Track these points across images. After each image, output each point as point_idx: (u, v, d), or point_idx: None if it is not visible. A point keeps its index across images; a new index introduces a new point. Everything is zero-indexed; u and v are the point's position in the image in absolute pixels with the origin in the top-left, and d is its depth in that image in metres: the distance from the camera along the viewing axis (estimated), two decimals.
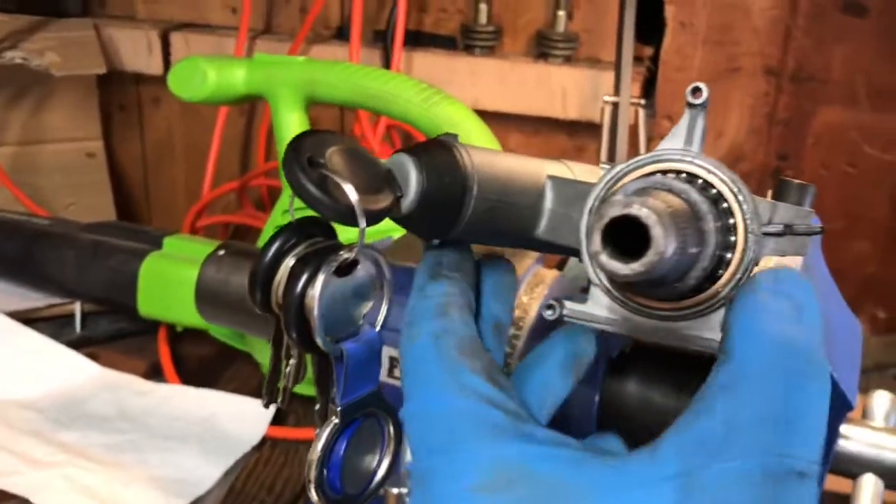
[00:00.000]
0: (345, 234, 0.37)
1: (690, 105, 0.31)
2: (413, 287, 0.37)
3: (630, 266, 0.24)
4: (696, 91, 0.31)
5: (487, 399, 0.32)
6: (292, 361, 0.36)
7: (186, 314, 0.84)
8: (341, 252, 0.34)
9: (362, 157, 0.34)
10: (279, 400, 0.37)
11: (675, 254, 0.24)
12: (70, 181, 1.18)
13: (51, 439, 0.79)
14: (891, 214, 1.04)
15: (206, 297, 0.79)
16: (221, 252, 0.79)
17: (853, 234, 1.07)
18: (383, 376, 0.54)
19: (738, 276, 0.31)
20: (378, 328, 0.36)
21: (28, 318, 0.95)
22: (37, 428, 0.80)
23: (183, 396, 0.86)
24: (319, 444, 0.35)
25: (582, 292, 0.37)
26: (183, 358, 0.94)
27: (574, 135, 1.10)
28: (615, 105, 0.98)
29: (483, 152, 0.36)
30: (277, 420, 0.84)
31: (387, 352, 0.54)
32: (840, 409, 0.54)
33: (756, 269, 0.50)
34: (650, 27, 1.05)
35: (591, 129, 1.06)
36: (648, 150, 1.06)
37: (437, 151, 0.34)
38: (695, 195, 0.28)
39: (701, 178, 0.31)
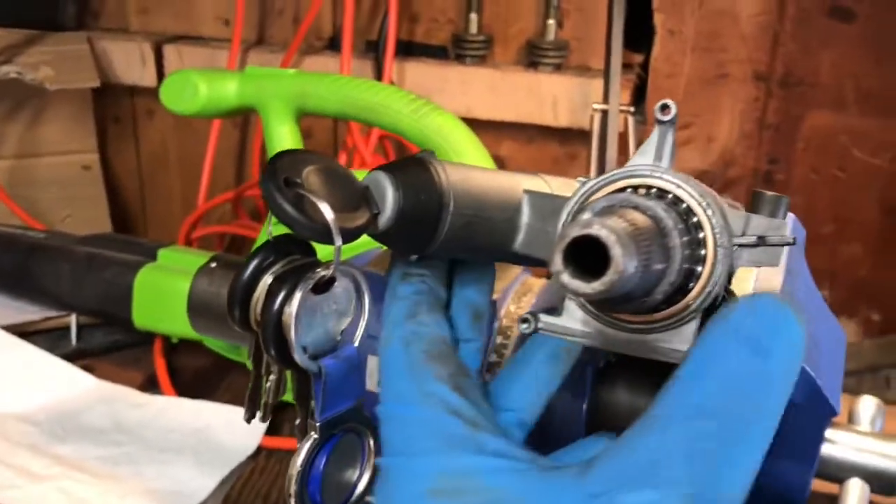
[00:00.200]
0: (323, 250, 0.37)
1: (659, 122, 0.32)
2: (387, 289, 0.38)
3: (591, 285, 0.24)
4: (665, 108, 0.32)
5: (448, 407, 0.34)
6: (272, 377, 0.37)
7: (181, 326, 0.85)
8: (318, 269, 0.35)
9: (339, 176, 0.34)
10: (260, 415, 0.38)
11: (636, 272, 0.25)
12: (66, 194, 1.19)
13: (46, 452, 0.79)
14: (881, 217, 1.05)
15: (198, 309, 0.79)
16: (213, 265, 0.80)
17: (844, 238, 1.07)
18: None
19: (708, 288, 0.31)
20: (357, 343, 0.37)
21: (24, 332, 0.95)
22: (33, 441, 0.81)
23: (178, 408, 0.87)
24: (299, 460, 0.36)
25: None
26: (178, 369, 0.94)
27: (566, 142, 1.11)
28: (605, 113, 0.99)
29: (460, 168, 0.37)
30: (272, 430, 0.84)
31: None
32: (824, 414, 0.54)
33: (737, 284, 0.51)
34: (640, 35, 1.06)
35: (583, 136, 1.06)
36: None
37: (413, 169, 0.35)
38: (660, 212, 0.28)
39: (671, 192, 0.32)
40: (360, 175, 0.36)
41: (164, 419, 0.85)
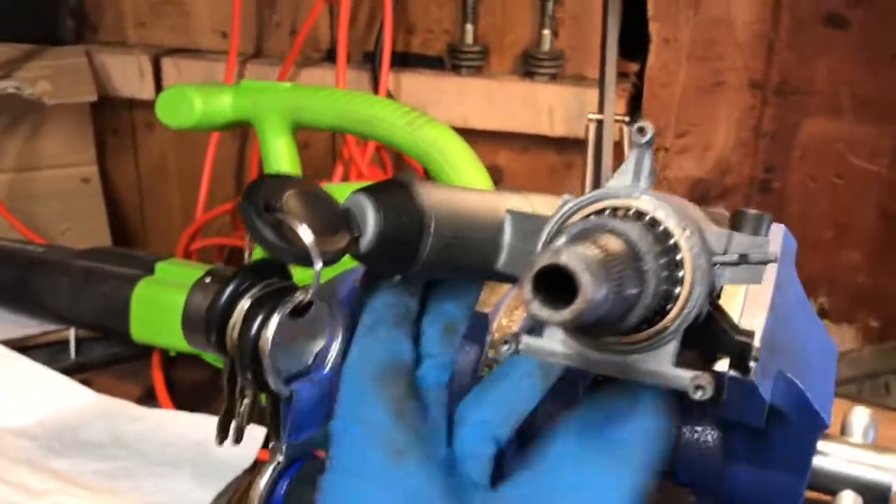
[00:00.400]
0: (302, 272, 0.37)
1: (637, 143, 0.32)
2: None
3: (560, 314, 0.24)
4: (642, 130, 0.32)
5: (377, 431, 0.35)
6: (246, 401, 0.37)
7: (178, 339, 0.84)
8: (297, 294, 0.35)
9: (320, 199, 0.34)
10: (233, 439, 0.38)
11: (607, 298, 0.25)
12: (66, 207, 1.19)
13: (44, 467, 0.80)
14: (879, 224, 1.05)
15: (192, 324, 0.79)
16: (207, 279, 0.80)
17: (843, 244, 1.07)
18: None
19: (686, 310, 0.31)
20: (328, 367, 0.37)
21: (23, 346, 0.96)
22: (30, 456, 0.81)
23: (176, 421, 0.87)
24: (262, 482, 0.36)
25: None
26: (176, 382, 0.95)
27: (562, 151, 1.11)
28: (600, 122, 0.99)
29: (441, 189, 0.37)
30: (269, 443, 0.85)
31: None
32: (814, 427, 0.54)
33: (726, 300, 0.50)
34: (636, 44, 1.06)
35: (579, 145, 1.06)
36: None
37: (394, 191, 0.35)
38: (634, 236, 0.28)
39: (648, 214, 0.32)
40: (348, 189, 0.36)
41: (161, 433, 0.86)
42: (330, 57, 1.16)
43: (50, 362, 0.94)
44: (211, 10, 1.19)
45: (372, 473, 0.34)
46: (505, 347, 0.34)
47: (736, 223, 0.37)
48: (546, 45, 1.07)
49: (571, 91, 1.06)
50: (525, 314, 0.64)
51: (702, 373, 0.31)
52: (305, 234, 0.32)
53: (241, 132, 1.23)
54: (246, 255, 0.36)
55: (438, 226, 0.35)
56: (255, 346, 0.35)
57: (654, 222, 0.32)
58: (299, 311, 0.36)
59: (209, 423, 0.87)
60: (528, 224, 0.36)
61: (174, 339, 0.86)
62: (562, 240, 0.29)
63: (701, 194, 1.09)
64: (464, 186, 0.39)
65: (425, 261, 0.35)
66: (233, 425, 0.38)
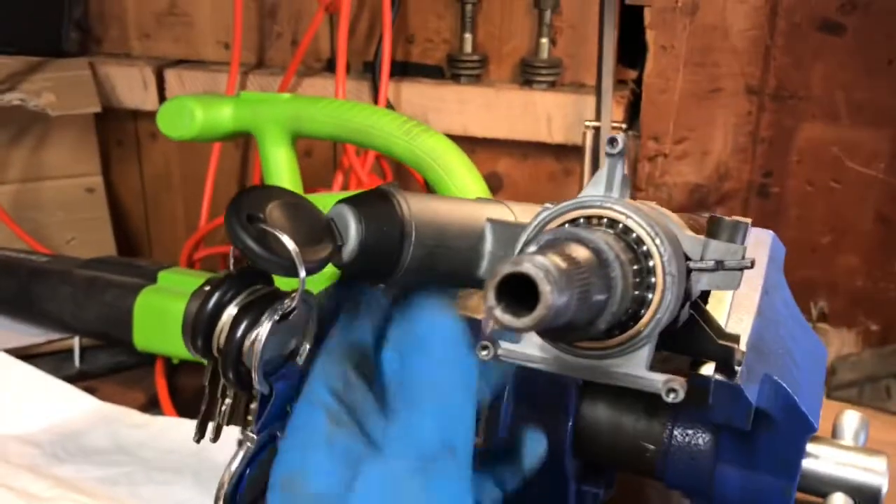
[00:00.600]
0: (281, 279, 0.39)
1: (609, 154, 0.33)
2: None
3: (521, 320, 0.25)
4: (613, 142, 0.33)
5: (324, 408, 0.39)
6: (227, 401, 0.38)
7: (180, 347, 0.85)
8: (285, 302, 0.36)
9: (303, 210, 0.35)
10: (211, 437, 0.40)
11: (570, 304, 0.26)
12: (70, 217, 1.21)
13: (47, 474, 0.81)
14: (877, 227, 1.05)
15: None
16: (207, 287, 0.81)
17: (841, 249, 1.08)
18: None
19: (658, 315, 0.32)
20: (301, 362, 0.39)
21: (28, 354, 0.97)
22: (34, 462, 0.82)
23: (178, 428, 0.88)
24: (234, 466, 0.38)
25: None
26: (179, 389, 0.96)
27: (562, 158, 1.12)
28: (597, 129, 1.00)
29: (423, 200, 0.38)
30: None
31: None
32: (802, 430, 0.55)
33: (714, 304, 0.51)
34: (634, 51, 1.07)
35: (578, 152, 1.07)
36: (630, 172, 1.08)
37: (375, 202, 0.36)
38: (602, 244, 0.29)
39: (620, 222, 0.33)
40: (331, 200, 0.37)
41: (164, 439, 0.86)
42: (331, 67, 1.17)
43: (55, 370, 0.95)
44: (214, 21, 1.21)
45: (315, 436, 0.38)
46: (484, 353, 0.35)
47: (713, 230, 0.38)
48: (544, 54, 1.08)
49: (570, 99, 1.07)
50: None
51: (674, 376, 0.32)
52: (289, 244, 0.33)
53: (244, 142, 1.25)
54: (231, 264, 0.37)
55: (419, 235, 0.36)
56: (240, 350, 0.36)
57: (626, 230, 0.32)
58: (284, 316, 0.37)
59: (211, 429, 0.88)
60: (508, 232, 0.37)
61: (176, 346, 0.87)
62: (532, 249, 0.29)
63: (700, 200, 1.10)
64: (447, 196, 0.40)
65: (407, 269, 0.36)
66: (211, 425, 0.40)
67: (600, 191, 0.33)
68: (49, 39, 1.19)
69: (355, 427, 0.39)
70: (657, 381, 0.32)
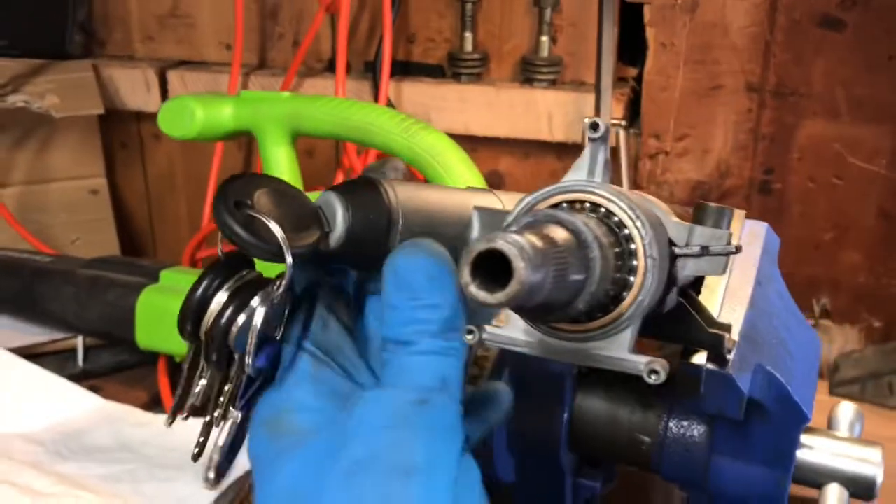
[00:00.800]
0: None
1: (590, 139, 0.33)
2: None
3: (494, 296, 0.25)
4: (595, 126, 0.33)
5: (307, 351, 0.40)
6: (202, 382, 0.39)
7: (182, 345, 0.86)
8: (275, 287, 0.37)
9: (290, 197, 0.36)
10: (183, 416, 0.41)
11: (544, 283, 0.26)
12: (75, 218, 1.22)
13: (50, 471, 0.81)
14: (880, 223, 1.05)
15: None
16: None
17: (844, 245, 1.07)
18: None
19: (639, 297, 0.32)
20: (278, 337, 0.39)
21: (32, 353, 0.98)
22: (37, 460, 0.83)
23: (180, 426, 0.88)
24: (223, 438, 0.41)
25: None
26: None
27: (563, 156, 1.12)
28: None
29: (410, 188, 0.38)
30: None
31: None
32: (796, 421, 0.55)
33: (707, 294, 0.51)
34: (634, 48, 1.07)
35: (579, 150, 1.06)
36: (631, 169, 1.08)
37: (362, 189, 0.36)
38: (580, 225, 0.29)
39: (603, 206, 0.33)
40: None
41: (166, 437, 0.87)
42: (332, 67, 1.17)
43: (59, 370, 0.96)
44: (216, 23, 1.21)
45: (298, 375, 0.39)
46: (469, 337, 0.35)
47: (698, 216, 0.38)
48: (544, 52, 1.08)
49: (570, 97, 1.07)
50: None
51: (656, 358, 0.32)
52: (276, 230, 0.33)
53: (246, 142, 1.25)
54: (219, 251, 0.37)
55: (406, 222, 0.37)
56: (226, 333, 0.37)
57: (608, 214, 0.33)
58: (272, 302, 0.37)
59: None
60: (495, 219, 0.37)
61: (178, 344, 0.87)
62: (513, 229, 0.30)
63: (701, 197, 1.10)
64: (435, 184, 0.40)
65: None
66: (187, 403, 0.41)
67: (583, 175, 0.33)
68: (53, 42, 1.20)
69: (337, 367, 0.40)
70: (639, 362, 0.33)
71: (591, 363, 0.33)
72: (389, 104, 1.09)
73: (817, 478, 0.58)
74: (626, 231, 0.32)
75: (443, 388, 0.36)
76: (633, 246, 0.32)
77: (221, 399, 0.39)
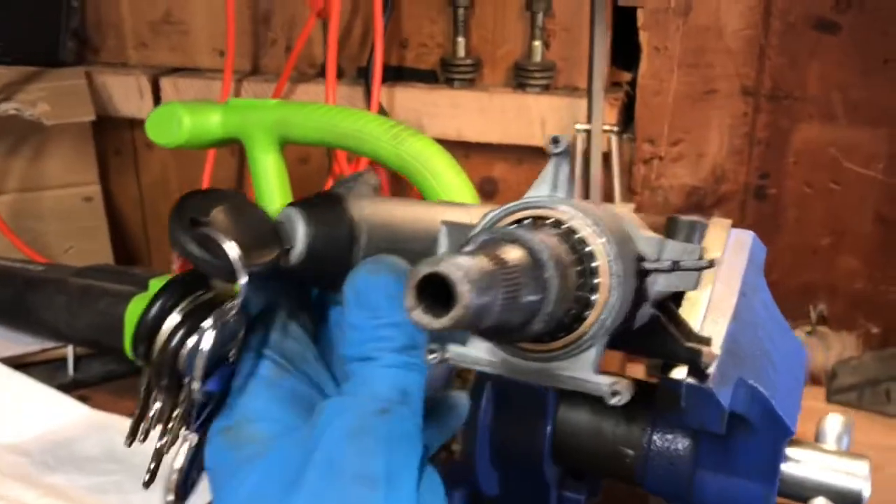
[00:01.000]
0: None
1: (553, 154, 0.33)
2: None
3: (439, 320, 0.25)
4: (556, 141, 0.32)
5: (269, 358, 0.39)
6: (157, 405, 0.39)
7: None
8: (227, 308, 0.36)
9: (251, 214, 0.35)
10: (141, 438, 0.40)
11: (492, 305, 0.25)
12: (68, 226, 1.21)
13: (38, 482, 0.81)
14: (877, 229, 1.04)
15: None
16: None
17: (841, 250, 1.06)
18: None
19: (602, 316, 0.32)
20: (231, 360, 0.38)
21: (22, 363, 0.97)
22: (24, 472, 0.82)
23: None
24: (181, 461, 0.40)
25: None
26: None
27: None
28: (588, 133, 0.99)
29: (375, 202, 0.37)
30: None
31: None
32: (780, 435, 0.54)
33: (689, 307, 0.50)
34: (628, 52, 1.06)
35: (573, 155, 1.07)
36: (625, 175, 1.07)
37: (324, 204, 0.36)
38: (536, 244, 0.29)
39: (565, 223, 0.32)
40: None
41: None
42: (325, 73, 1.17)
43: (49, 379, 0.95)
44: (209, 29, 1.21)
45: (256, 382, 0.39)
46: (431, 357, 0.34)
47: (670, 230, 0.38)
48: (537, 57, 1.07)
49: (563, 102, 1.06)
50: None
51: (619, 378, 0.31)
52: (229, 248, 0.33)
53: (239, 149, 1.24)
54: (174, 268, 0.37)
55: (370, 238, 0.36)
56: (175, 357, 0.36)
57: (571, 230, 0.32)
58: (225, 322, 0.37)
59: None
60: (462, 234, 0.37)
61: None
62: (468, 248, 0.29)
63: (696, 202, 1.09)
64: (403, 198, 0.40)
65: None
66: (141, 427, 0.40)
67: (546, 191, 0.33)
68: (46, 49, 1.20)
69: (299, 374, 0.40)
70: (602, 383, 0.32)
71: (554, 383, 0.33)
72: (382, 110, 1.08)
73: (803, 492, 0.57)
74: (589, 248, 0.32)
75: (403, 401, 0.35)
76: (595, 263, 0.32)
77: (171, 425, 0.38)
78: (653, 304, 0.41)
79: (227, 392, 0.39)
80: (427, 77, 1.13)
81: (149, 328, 0.36)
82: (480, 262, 0.25)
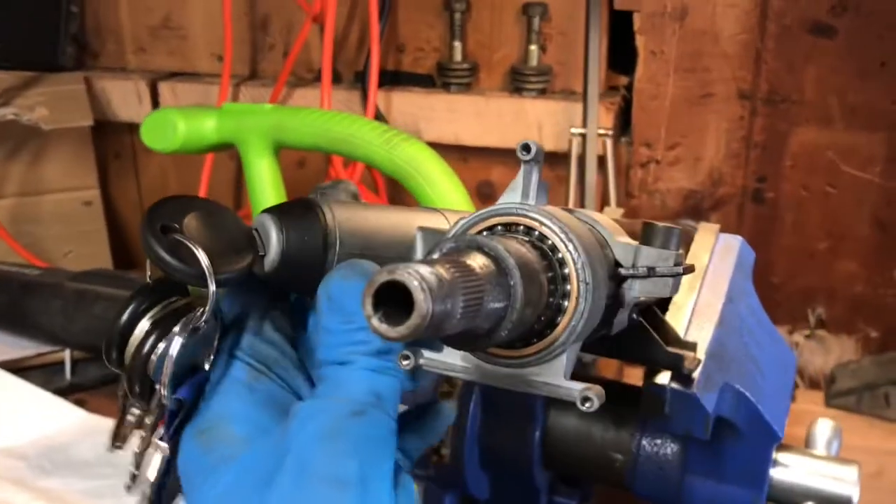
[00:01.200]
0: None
1: (524, 161, 0.33)
2: None
3: (397, 329, 0.25)
4: (526, 148, 0.32)
5: (243, 361, 0.39)
6: (135, 411, 0.38)
7: None
8: (197, 316, 0.36)
9: (223, 220, 0.35)
10: (119, 445, 0.40)
11: (451, 313, 0.25)
12: (68, 230, 1.22)
13: (33, 486, 0.81)
14: (875, 233, 1.04)
15: None
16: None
17: (839, 254, 1.06)
18: None
19: (573, 323, 0.32)
20: (207, 367, 0.38)
21: (20, 367, 0.98)
22: (20, 475, 0.82)
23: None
24: (156, 473, 0.39)
25: None
26: None
27: (553, 166, 1.11)
28: (583, 136, 0.99)
29: (350, 208, 0.37)
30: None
31: None
32: (767, 441, 0.54)
33: (674, 311, 0.50)
34: (625, 57, 1.06)
35: (569, 160, 1.06)
36: (619, 178, 1.07)
37: (298, 211, 0.36)
38: (501, 252, 0.29)
39: (536, 230, 0.32)
40: None
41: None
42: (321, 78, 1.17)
43: (46, 383, 0.96)
44: (207, 34, 1.21)
45: (232, 386, 0.39)
46: (405, 363, 0.34)
47: (646, 237, 0.38)
48: (534, 61, 1.07)
49: (560, 106, 1.06)
50: None
51: (591, 385, 0.31)
52: (201, 255, 0.33)
53: (237, 153, 1.25)
54: (147, 275, 0.37)
55: (344, 244, 0.36)
56: (145, 365, 0.36)
57: (542, 237, 0.32)
58: (195, 329, 0.37)
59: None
60: (438, 240, 0.37)
61: None
62: (435, 255, 0.29)
63: (694, 206, 1.09)
64: (379, 205, 0.40)
65: None
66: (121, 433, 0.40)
67: (517, 198, 0.33)
68: (45, 54, 1.20)
69: (274, 377, 0.40)
70: (573, 389, 0.32)
71: (527, 389, 0.33)
72: (379, 114, 1.09)
73: (792, 497, 0.56)
74: (560, 255, 0.32)
75: (377, 404, 0.35)
76: (566, 270, 0.32)
77: (142, 433, 0.38)
78: (633, 310, 0.41)
79: (200, 400, 0.39)
80: (424, 81, 1.13)
81: (120, 334, 0.36)
82: (440, 270, 0.25)
